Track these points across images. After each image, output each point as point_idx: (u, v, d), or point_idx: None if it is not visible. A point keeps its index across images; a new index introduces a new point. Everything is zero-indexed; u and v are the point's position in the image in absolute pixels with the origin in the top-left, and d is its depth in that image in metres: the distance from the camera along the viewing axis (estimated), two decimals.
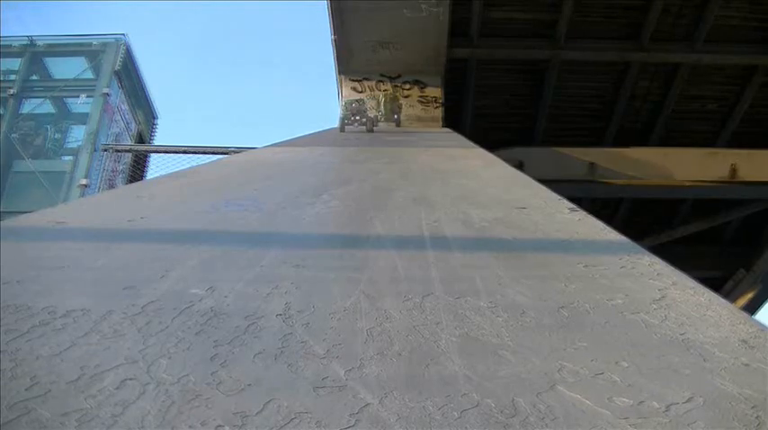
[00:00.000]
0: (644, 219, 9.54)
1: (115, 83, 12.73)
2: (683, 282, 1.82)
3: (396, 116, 7.14)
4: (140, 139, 13.80)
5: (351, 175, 4.00)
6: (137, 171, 9.28)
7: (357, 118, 6.64)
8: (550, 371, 1.28)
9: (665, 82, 8.18)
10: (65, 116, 13.05)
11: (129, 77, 13.46)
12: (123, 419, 1.06)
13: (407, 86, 7.40)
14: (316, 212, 2.76)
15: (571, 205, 2.82)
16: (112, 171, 10.14)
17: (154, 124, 15.00)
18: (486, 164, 4.46)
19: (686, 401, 1.16)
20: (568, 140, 8.42)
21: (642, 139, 8.67)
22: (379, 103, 7.13)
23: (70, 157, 12.30)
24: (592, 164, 7.92)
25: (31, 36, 12.96)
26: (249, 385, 1.20)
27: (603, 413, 1.13)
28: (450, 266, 1.99)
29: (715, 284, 9.06)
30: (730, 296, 9.49)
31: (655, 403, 1.16)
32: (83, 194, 11.02)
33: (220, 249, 2.14)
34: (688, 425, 1.10)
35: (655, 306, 1.63)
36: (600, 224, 2.55)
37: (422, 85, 7.41)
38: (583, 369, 1.29)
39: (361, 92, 7.29)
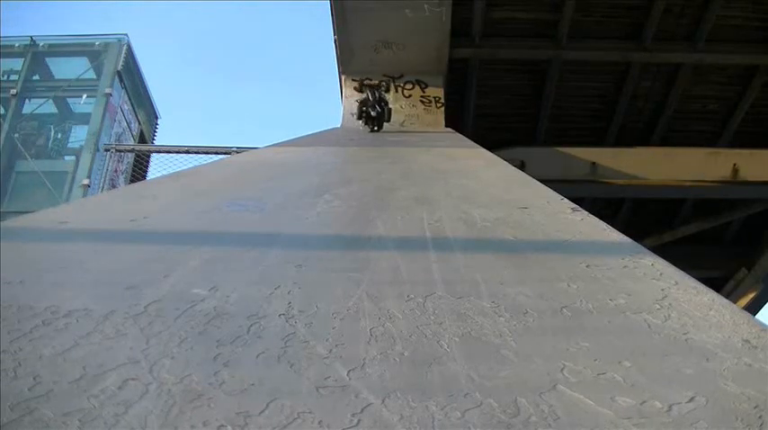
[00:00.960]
0: (645, 218, 9.53)
1: (117, 83, 12.73)
2: (685, 282, 1.82)
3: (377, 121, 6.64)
4: (142, 139, 13.78)
5: (352, 175, 4.00)
6: (138, 171, 9.30)
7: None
8: (552, 371, 1.28)
9: (667, 82, 8.17)
10: (67, 116, 13.04)
11: (131, 77, 13.45)
12: (125, 419, 1.06)
13: (409, 86, 7.39)
14: (317, 212, 2.76)
15: (573, 205, 2.81)
16: (114, 171, 10.15)
17: (156, 124, 15.00)
18: (488, 164, 4.46)
19: (689, 401, 1.16)
20: (570, 140, 8.42)
21: (644, 139, 8.67)
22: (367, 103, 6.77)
23: (72, 157, 12.30)
24: (593, 164, 7.92)
25: (32, 36, 12.97)
26: (252, 385, 1.20)
27: (606, 413, 1.13)
28: (452, 266, 1.99)
29: (716, 284, 9.06)
30: (732, 296, 9.48)
31: (657, 403, 1.16)
32: (85, 194, 11.03)
33: (222, 249, 2.14)
34: (691, 425, 1.10)
35: (657, 306, 1.63)
36: (602, 224, 2.55)
37: (423, 85, 7.40)
38: (585, 369, 1.29)
39: (363, 92, 7.29)
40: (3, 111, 12.34)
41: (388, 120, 6.73)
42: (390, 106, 6.81)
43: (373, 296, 1.67)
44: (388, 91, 7.03)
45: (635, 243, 2.25)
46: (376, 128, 6.59)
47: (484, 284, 1.78)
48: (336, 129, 6.92)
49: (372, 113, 6.58)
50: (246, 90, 51.23)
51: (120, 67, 12.71)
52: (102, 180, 9.12)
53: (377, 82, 7.17)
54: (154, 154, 8.79)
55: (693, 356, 1.35)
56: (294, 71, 51.46)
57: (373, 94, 6.67)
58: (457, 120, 7.85)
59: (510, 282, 1.81)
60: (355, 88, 7.25)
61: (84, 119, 12.60)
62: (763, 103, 8.32)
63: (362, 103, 6.68)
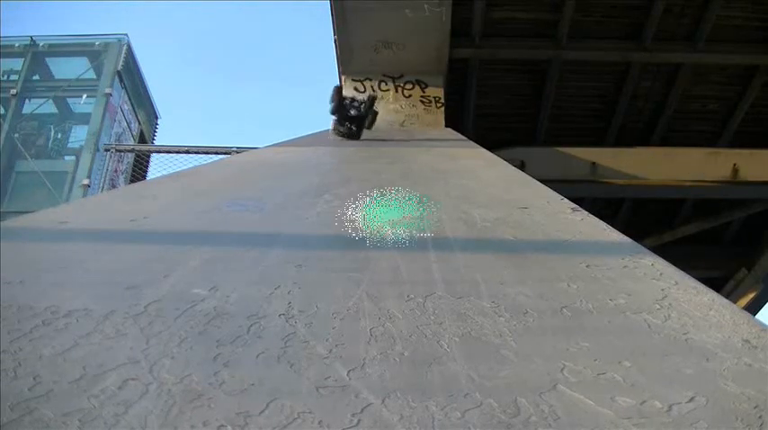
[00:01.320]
0: (645, 218, 9.53)
1: (117, 83, 12.73)
2: (685, 282, 1.82)
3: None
4: (142, 139, 13.79)
5: (352, 175, 4.00)
6: (138, 171, 9.30)
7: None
8: (552, 370, 1.28)
9: (667, 82, 8.17)
10: (67, 116, 13.04)
11: (131, 77, 13.45)
12: (125, 419, 1.06)
13: (409, 86, 7.39)
14: (317, 212, 2.76)
15: (573, 205, 2.81)
16: (114, 171, 10.16)
17: (156, 124, 15.00)
18: (488, 164, 4.46)
19: (689, 401, 1.16)
20: (570, 140, 8.42)
21: (644, 139, 8.67)
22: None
23: (72, 157, 12.30)
24: (593, 164, 7.92)
25: (32, 36, 12.97)
26: (252, 385, 1.20)
27: (606, 413, 1.13)
28: (452, 266, 1.99)
29: (716, 284, 9.06)
30: (732, 296, 9.48)
31: (657, 403, 1.16)
32: (85, 194, 11.03)
33: (222, 249, 2.14)
34: (690, 425, 1.10)
35: (657, 306, 1.63)
36: (602, 224, 2.55)
37: (423, 85, 7.40)
38: (585, 369, 1.29)
39: (363, 92, 7.28)
40: (3, 111, 12.35)
41: (369, 128, 5.88)
42: (376, 110, 5.99)
43: (373, 296, 1.67)
44: (372, 106, 5.91)
45: (635, 243, 2.25)
46: (354, 127, 5.77)
47: (484, 284, 1.78)
48: None
49: (352, 113, 5.78)
50: (246, 90, 51.25)
51: (120, 67, 12.71)
52: (102, 180, 9.12)
53: (361, 97, 6.16)
54: (154, 154, 8.78)
55: (693, 356, 1.35)
56: (294, 71, 51.52)
57: (357, 109, 5.83)
58: (457, 120, 7.85)
59: (510, 282, 1.81)
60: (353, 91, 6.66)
61: (85, 119, 12.60)
62: (763, 102, 8.33)
63: (342, 108, 5.82)
